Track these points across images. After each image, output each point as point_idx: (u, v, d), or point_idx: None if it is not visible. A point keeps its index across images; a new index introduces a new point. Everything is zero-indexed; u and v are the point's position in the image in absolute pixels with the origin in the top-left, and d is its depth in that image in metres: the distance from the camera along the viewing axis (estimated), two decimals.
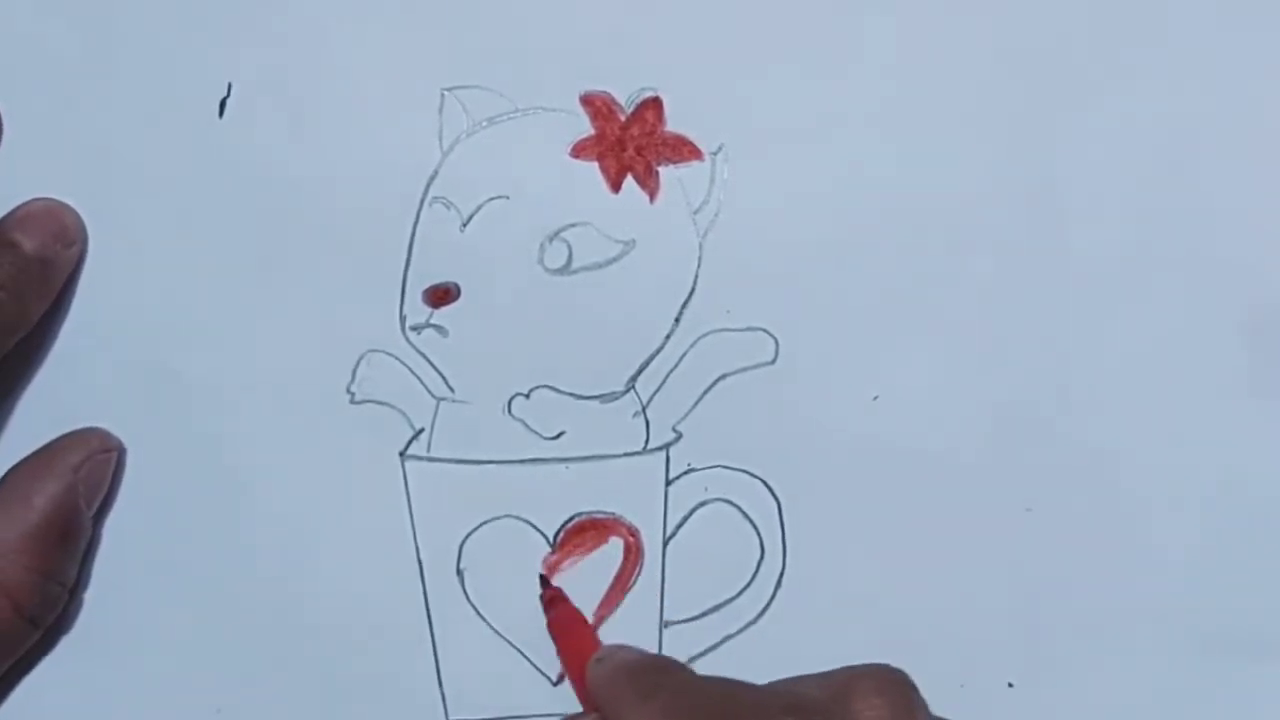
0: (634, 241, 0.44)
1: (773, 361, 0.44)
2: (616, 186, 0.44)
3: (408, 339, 0.44)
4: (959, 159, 0.44)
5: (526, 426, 0.44)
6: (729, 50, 0.44)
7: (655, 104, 0.44)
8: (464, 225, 0.44)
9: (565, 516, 0.44)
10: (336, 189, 0.44)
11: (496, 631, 0.44)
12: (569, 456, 0.44)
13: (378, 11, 0.44)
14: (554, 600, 0.43)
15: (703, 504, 0.44)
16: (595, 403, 0.44)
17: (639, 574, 0.44)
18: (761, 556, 0.43)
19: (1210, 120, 0.44)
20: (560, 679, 0.43)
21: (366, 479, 0.44)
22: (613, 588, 0.44)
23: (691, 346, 0.44)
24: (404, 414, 0.44)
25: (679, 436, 0.44)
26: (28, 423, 0.44)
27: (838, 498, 0.43)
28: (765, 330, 0.44)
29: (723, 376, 0.44)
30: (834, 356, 0.44)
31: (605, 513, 0.44)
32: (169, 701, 0.44)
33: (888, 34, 0.44)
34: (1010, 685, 0.43)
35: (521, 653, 0.44)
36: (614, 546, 0.44)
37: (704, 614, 0.44)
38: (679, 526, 0.44)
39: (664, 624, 0.44)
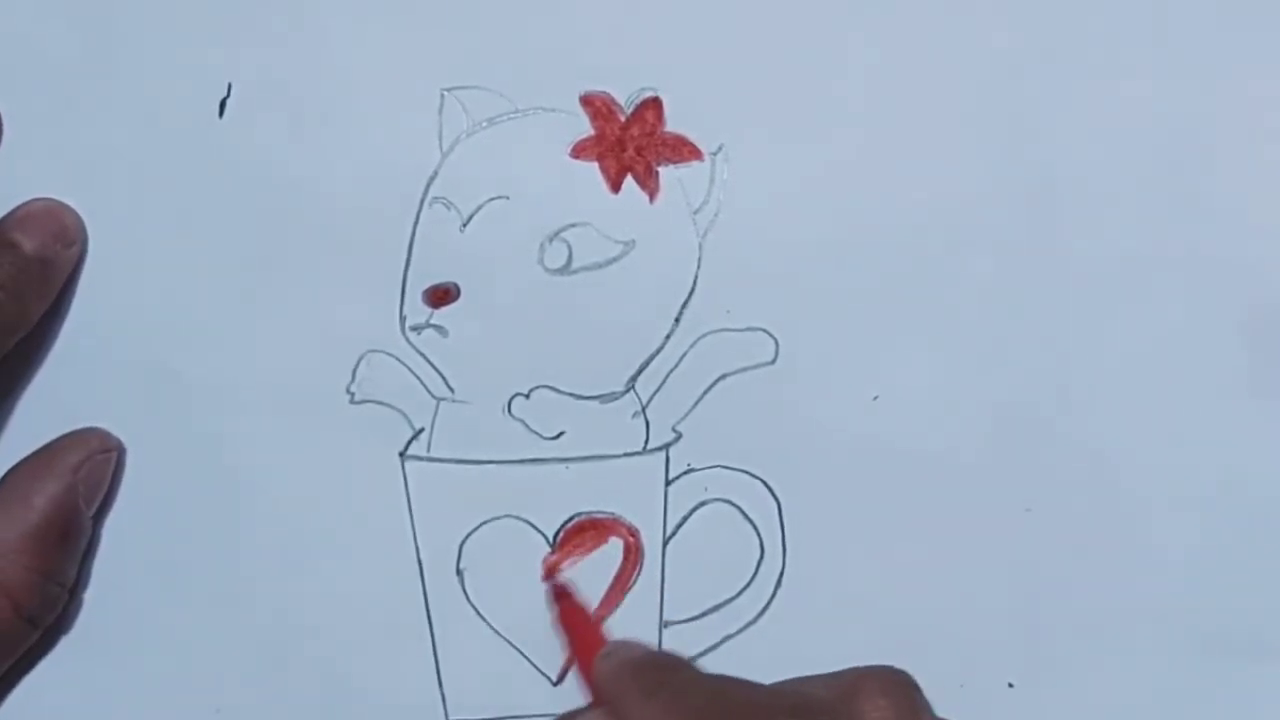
0: (634, 242, 0.44)
1: (773, 361, 0.44)
2: (616, 187, 0.44)
3: (408, 339, 0.44)
4: (959, 159, 0.44)
5: (526, 426, 0.44)
6: (729, 50, 0.44)
7: (655, 104, 0.44)
8: (464, 225, 0.44)
9: (565, 516, 0.44)
10: (336, 189, 0.44)
11: (496, 631, 0.44)
12: (569, 456, 0.44)
13: (377, 12, 0.44)
14: (562, 593, 0.43)
15: (702, 504, 0.44)
16: (595, 403, 0.44)
17: (639, 574, 0.44)
18: (761, 556, 0.43)
19: (1210, 120, 0.44)
20: (560, 679, 0.43)
21: (366, 479, 0.44)
22: (612, 588, 0.44)
23: (691, 346, 0.44)
24: (404, 414, 0.44)
25: (679, 436, 0.44)
26: (28, 423, 0.44)
27: (838, 498, 0.43)
28: (765, 330, 0.44)
29: (723, 376, 0.44)
30: (834, 356, 0.44)
31: (605, 513, 0.44)
32: (169, 701, 0.44)
33: (887, 34, 0.44)
34: (1010, 685, 0.43)
35: (521, 653, 0.44)
36: (614, 546, 0.44)
37: (704, 614, 0.43)
38: (679, 526, 0.44)
39: (664, 624, 0.44)
